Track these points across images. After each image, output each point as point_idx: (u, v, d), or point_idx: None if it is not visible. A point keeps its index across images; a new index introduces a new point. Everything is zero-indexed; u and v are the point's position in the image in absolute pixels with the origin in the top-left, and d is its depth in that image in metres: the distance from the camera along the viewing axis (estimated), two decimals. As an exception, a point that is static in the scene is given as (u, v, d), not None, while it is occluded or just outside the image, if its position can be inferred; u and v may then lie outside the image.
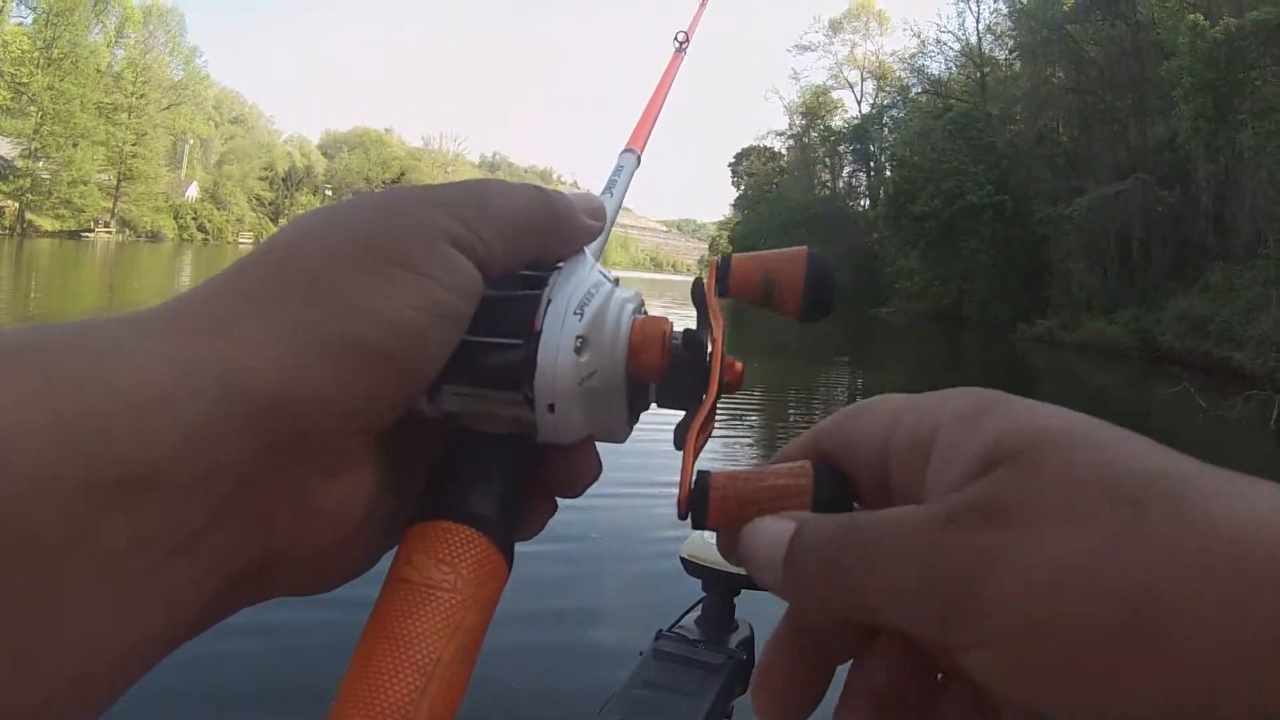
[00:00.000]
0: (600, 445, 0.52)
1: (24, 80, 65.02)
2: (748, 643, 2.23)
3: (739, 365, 0.54)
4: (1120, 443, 0.38)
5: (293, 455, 0.40)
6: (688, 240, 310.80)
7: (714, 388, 0.50)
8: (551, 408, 0.47)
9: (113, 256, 56.14)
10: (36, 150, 66.41)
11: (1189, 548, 0.34)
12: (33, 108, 65.69)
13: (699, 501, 0.46)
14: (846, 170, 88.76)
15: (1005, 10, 56.93)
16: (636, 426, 0.52)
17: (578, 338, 0.47)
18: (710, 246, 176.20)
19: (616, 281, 0.48)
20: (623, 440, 0.52)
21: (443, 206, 0.46)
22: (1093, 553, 0.35)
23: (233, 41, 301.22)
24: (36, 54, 65.65)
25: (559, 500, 0.52)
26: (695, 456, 0.49)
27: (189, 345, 0.38)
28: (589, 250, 0.53)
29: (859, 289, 64.13)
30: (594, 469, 0.52)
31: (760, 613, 2.17)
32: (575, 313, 0.48)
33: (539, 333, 0.48)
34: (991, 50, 61.30)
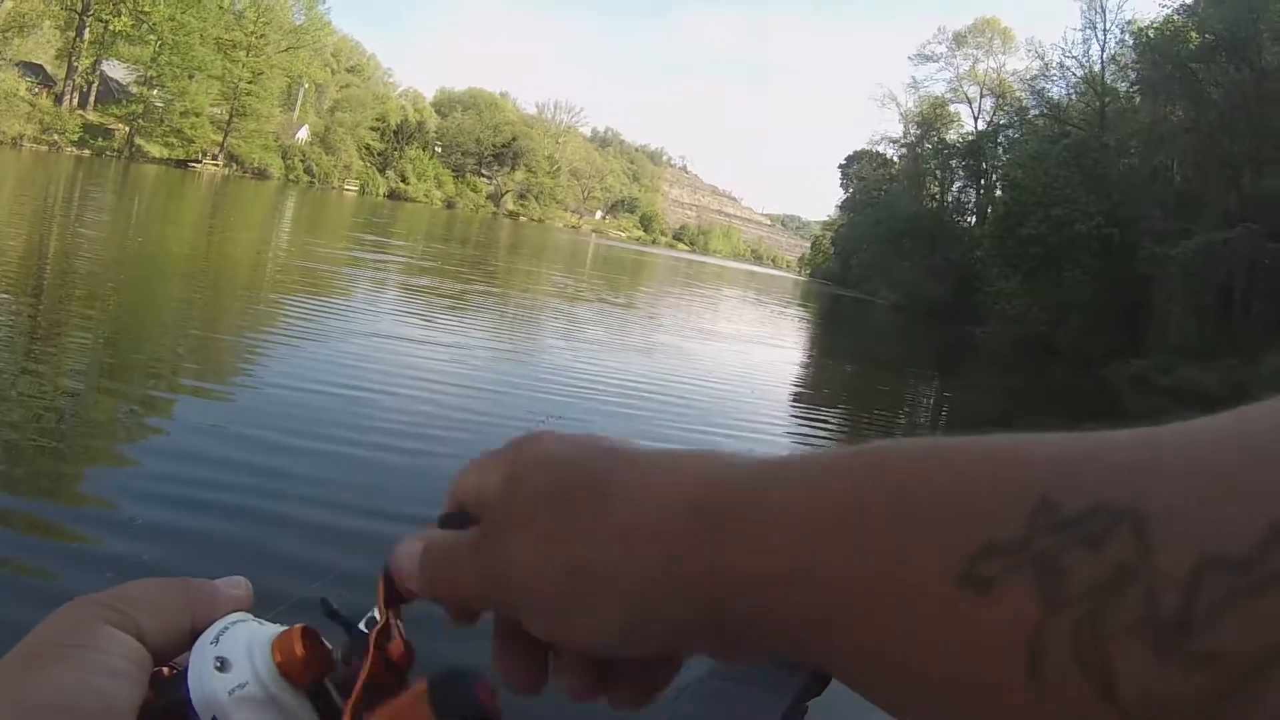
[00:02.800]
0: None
1: (145, 9, 66.55)
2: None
3: (400, 648, 0.57)
4: (586, 455, 0.52)
5: None
6: (790, 237, 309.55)
7: (363, 674, 0.54)
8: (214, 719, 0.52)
9: (217, 189, 57.28)
10: (152, 78, 68.25)
11: (605, 521, 0.49)
12: (152, 36, 67.37)
13: None
14: (956, 185, 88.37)
15: (1130, 42, 56.36)
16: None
17: (216, 658, 0.53)
18: (812, 245, 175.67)
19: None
20: None
21: (102, 603, 0.53)
22: (542, 537, 0.50)
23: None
24: (160, -15, 66.83)
25: None
26: None
27: None
28: (242, 610, 0.59)
29: (956, 305, 63.90)
30: None
31: None
32: (211, 643, 0.54)
33: (186, 668, 0.54)
34: (1113, 81, 60.63)
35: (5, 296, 12.54)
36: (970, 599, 0.37)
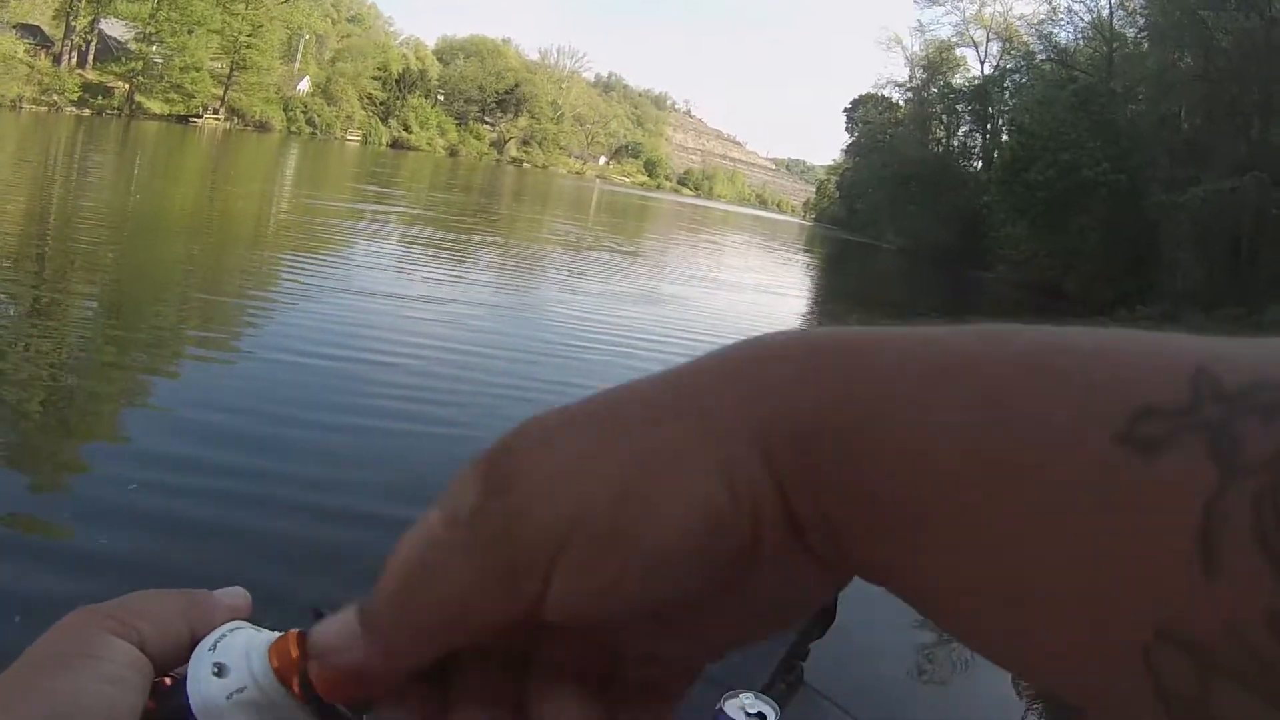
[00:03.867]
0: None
1: (142, -35, 66.04)
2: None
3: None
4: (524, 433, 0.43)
5: None
6: (795, 181, 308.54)
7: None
8: None
9: (219, 143, 57.28)
10: (150, 35, 67.79)
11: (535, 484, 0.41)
12: (151, -9, 66.87)
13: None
14: (962, 130, 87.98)
15: (1139, -13, 55.93)
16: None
17: (214, 664, 0.53)
18: (817, 190, 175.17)
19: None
20: None
21: (104, 613, 0.54)
22: (574, 455, 0.41)
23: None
24: (155, -59, 66.39)
25: None
26: None
27: None
28: (240, 619, 0.59)
29: (963, 250, 63.80)
30: None
31: None
32: (210, 649, 0.54)
33: (185, 675, 0.55)
34: (1121, 26, 60.08)
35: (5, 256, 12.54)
36: (1135, 461, 0.33)
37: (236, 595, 0.60)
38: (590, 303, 16.74)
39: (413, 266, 17.41)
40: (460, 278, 17.28)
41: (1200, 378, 0.34)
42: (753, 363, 0.41)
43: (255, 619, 0.51)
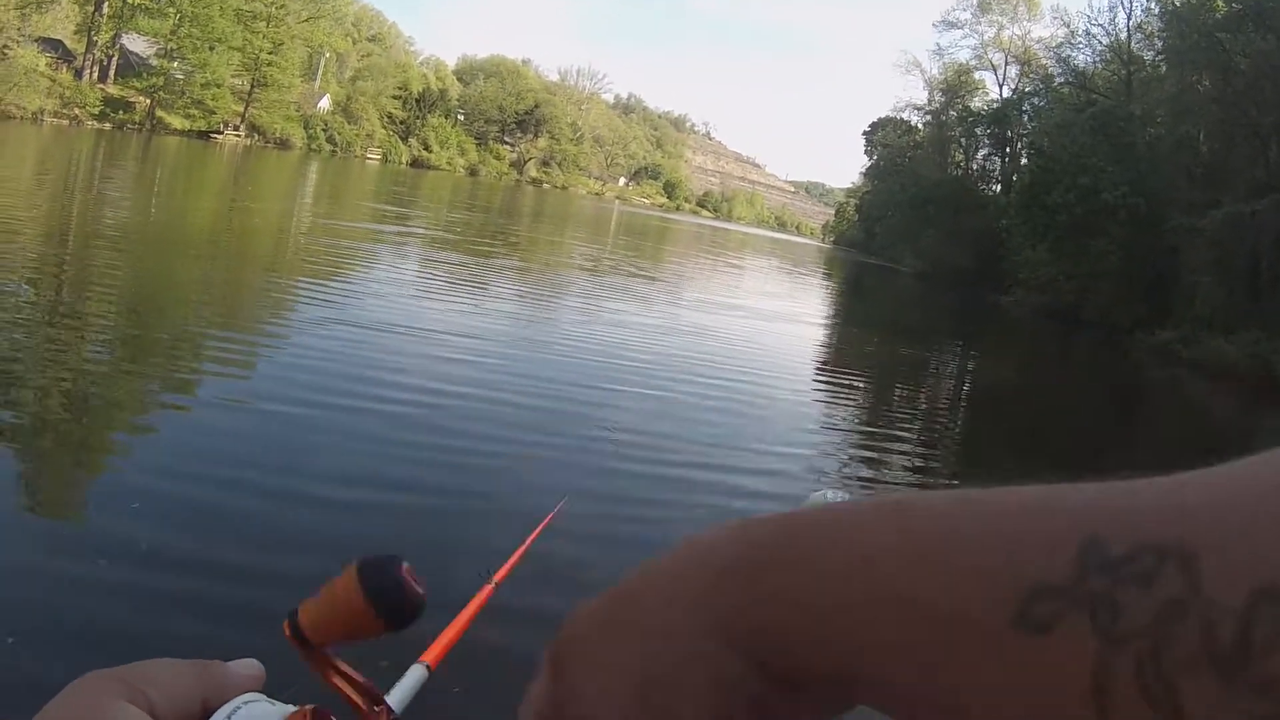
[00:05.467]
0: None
1: (164, -18, 66.32)
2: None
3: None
4: (615, 587, 0.51)
5: None
6: (814, 204, 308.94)
7: None
8: None
9: (239, 160, 57.48)
10: (172, 50, 68.40)
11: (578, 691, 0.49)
12: (171, 9, 67.48)
13: None
14: (981, 153, 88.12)
15: (1157, 10, 55.93)
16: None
17: None
18: (836, 212, 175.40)
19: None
20: None
21: (116, 678, 0.54)
22: (603, 665, 0.49)
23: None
24: (178, -43, 66.72)
25: None
26: None
27: None
28: (255, 691, 0.60)
29: (981, 274, 63.71)
30: None
31: None
32: None
33: None
34: (1139, 49, 60.17)
35: (24, 268, 12.58)
36: (1029, 640, 0.37)
37: (250, 667, 0.61)
38: (611, 333, 16.63)
39: (427, 295, 17.35)
40: (477, 307, 17.18)
41: (1088, 548, 0.38)
42: (715, 585, 0.47)
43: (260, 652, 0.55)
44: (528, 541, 2.43)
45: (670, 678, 0.46)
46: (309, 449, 7.70)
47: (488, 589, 1.96)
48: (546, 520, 2.95)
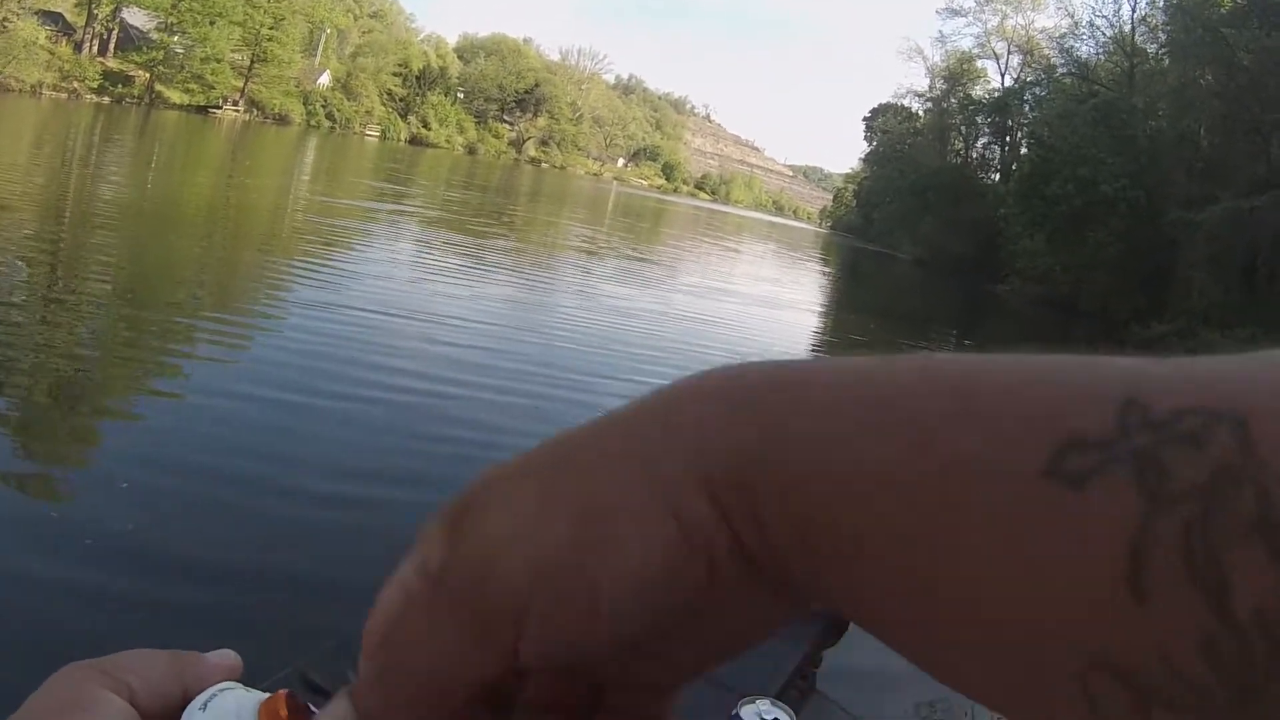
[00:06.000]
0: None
1: (165, -44, 66.38)
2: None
3: None
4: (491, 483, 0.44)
5: None
6: (812, 188, 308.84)
7: None
8: None
9: (237, 135, 57.40)
10: (172, 25, 68.30)
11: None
12: (173, -18, 67.23)
13: None
14: (981, 141, 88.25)
15: (1161, 3, 55.87)
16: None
17: None
18: (834, 198, 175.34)
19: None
20: None
21: (97, 668, 0.54)
22: (532, 504, 0.42)
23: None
24: (178, -69, 66.72)
25: None
26: None
27: None
28: (231, 680, 0.59)
29: (979, 262, 63.75)
30: None
31: None
32: (200, 709, 0.55)
33: None
34: (1143, 42, 60.16)
35: (15, 246, 12.53)
36: (1061, 494, 0.33)
37: (227, 657, 0.61)
38: (608, 319, 16.55)
39: (421, 278, 17.22)
40: (472, 291, 17.05)
41: (1128, 406, 0.34)
42: (692, 403, 0.42)
43: (241, 647, 0.55)
44: None
45: (622, 505, 0.40)
46: (300, 438, 7.64)
47: None
48: None
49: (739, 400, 0.41)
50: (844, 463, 0.38)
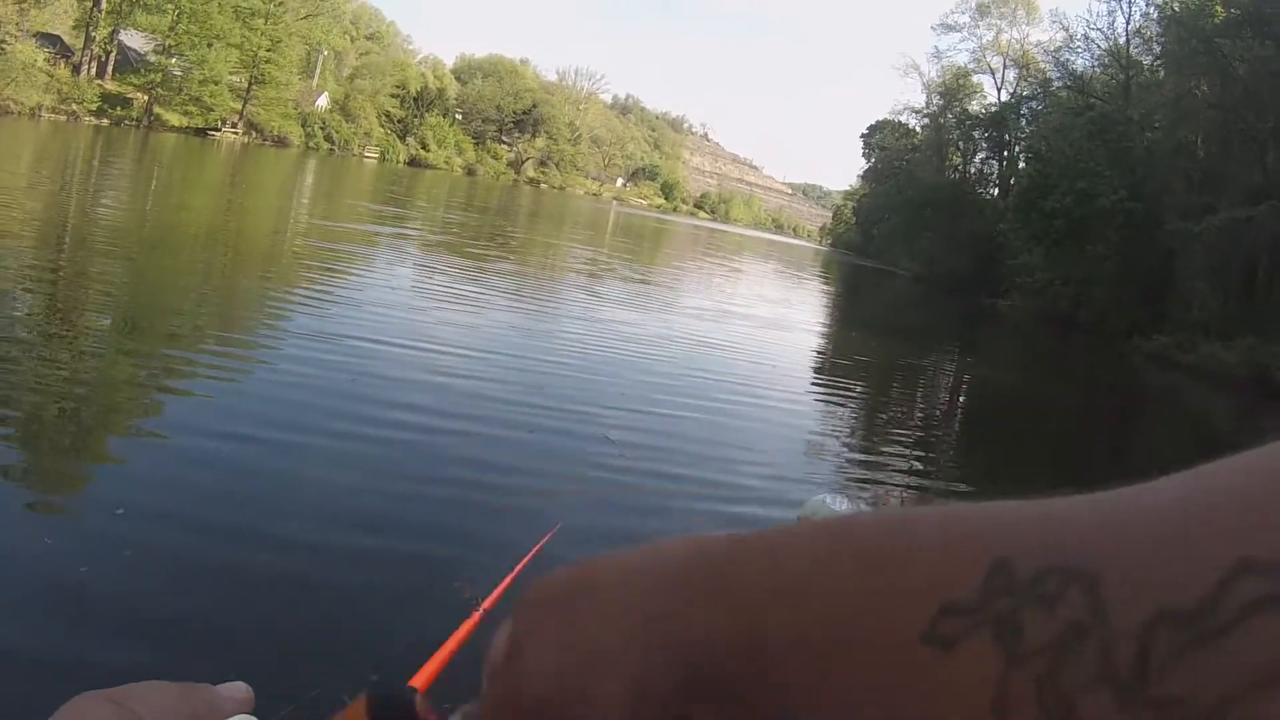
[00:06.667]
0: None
1: (163, -22, 66.41)
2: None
3: None
4: (581, 565, 0.55)
5: None
6: (812, 206, 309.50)
7: None
8: None
9: (236, 158, 57.41)
10: (170, 47, 68.33)
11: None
12: (170, 5, 67.48)
13: None
14: (979, 156, 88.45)
15: (1155, 16, 56.02)
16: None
17: None
18: (834, 215, 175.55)
19: None
20: None
21: (108, 699, 0.55)
22: (553, 643, 0.52)
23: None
24: (176, -46, 66.75)
25: None
26: None
27: None
28: (243, 714, 0.61)
29: (978, 277, 63.81)
30: None
31: None
32: None
33: None
34: (1138, 54, 60.27)
35: (20, 267, 12.50)
36: (935, 656, 0.38)
37: (239, 690, 0.62)
38: (608, 346, 16.36)
39: (420, 307, 16.94)
40: (471, 317, 16.90)
41: (996, 569, 0.39)
42: (659, 587, 0.50)
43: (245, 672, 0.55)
44: (517, 569, 2.38)
45: (604, 664, 0.49)
46: (292, 479, 7.49)
47: (475, 616, 1.93)
48: (537, 548, 2.88)
49: (691, 592, 0.49)
50: (768, 635, 0.45)
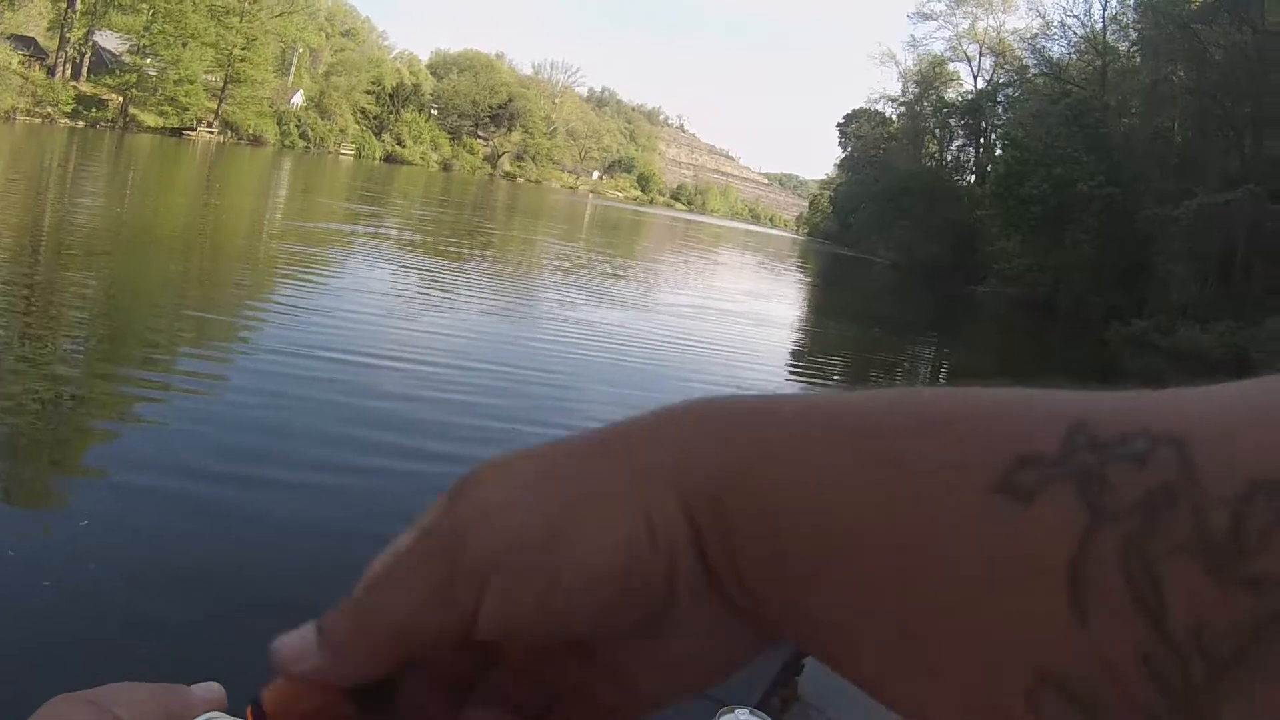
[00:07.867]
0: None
1: (136, -22, 66.08)
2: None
3: None
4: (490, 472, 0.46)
5: None
6: (788, 195, 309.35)
7: None
8: None
9: (212, 157, 57.15)
10: (145, 47, 68.06)
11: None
12: (144, 5, 67.15)
13: None
14: (956, 144, 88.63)
15: (1132, 2, 56.14)
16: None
17: None
18: (810, 205, 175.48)
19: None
20: None
21: (85, 700, 0.53)
22: (528, 481, 0.44)
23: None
24: (150, -47, 66.37)
25: None
26: None
27: None
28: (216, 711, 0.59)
29: (956, 265, 63.86)
30: None
31: None
32: None
33: None
34: (1114, 40, 60.43)
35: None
36: (1009, 509, 0.35)
37: (212, 689, 0.61)
38: (586, 344, 16.19)
39: (392, 313, 16.53)
40: (446, 320, 16.73)
41: (1077, 428, 0.36)
42: (677, 423, 0.44)
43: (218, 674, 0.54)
44: None
45: (599, 492, 0.43)
46: (260, 486, 7.23)
47: None
48: None
49: (721, 422, 0.43)
50: (811, 474, 0.39)
